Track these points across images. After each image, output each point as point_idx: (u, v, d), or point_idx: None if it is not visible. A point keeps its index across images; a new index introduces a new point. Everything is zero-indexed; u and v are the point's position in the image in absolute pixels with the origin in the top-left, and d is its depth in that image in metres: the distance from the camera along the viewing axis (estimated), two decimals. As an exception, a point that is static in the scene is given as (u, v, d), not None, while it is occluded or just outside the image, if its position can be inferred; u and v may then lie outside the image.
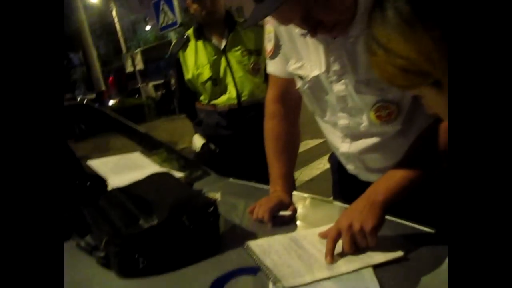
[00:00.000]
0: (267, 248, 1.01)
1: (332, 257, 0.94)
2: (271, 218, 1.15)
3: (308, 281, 0.87)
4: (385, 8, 0.78)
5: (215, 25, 2.10)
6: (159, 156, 1.92)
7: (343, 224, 0.95)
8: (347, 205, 1.20)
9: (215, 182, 1.63)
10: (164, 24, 7.38)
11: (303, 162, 4.93)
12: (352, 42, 0.99)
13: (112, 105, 13.44)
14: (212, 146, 2.11)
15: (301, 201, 1.30)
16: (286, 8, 0.87)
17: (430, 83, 0.78)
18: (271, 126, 1.31)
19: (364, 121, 1.10)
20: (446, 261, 0.98)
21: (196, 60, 2.08)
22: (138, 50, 16.13)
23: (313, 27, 0.94)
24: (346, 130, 1.16)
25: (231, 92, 2.08)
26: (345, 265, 0.92)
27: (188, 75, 2.11)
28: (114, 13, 18.81)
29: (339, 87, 1.08)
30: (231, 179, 1.62)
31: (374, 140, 1.13)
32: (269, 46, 1.22)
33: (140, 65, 13.66)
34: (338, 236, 0.96)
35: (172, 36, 8.25)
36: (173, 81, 2.10)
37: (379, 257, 0.94)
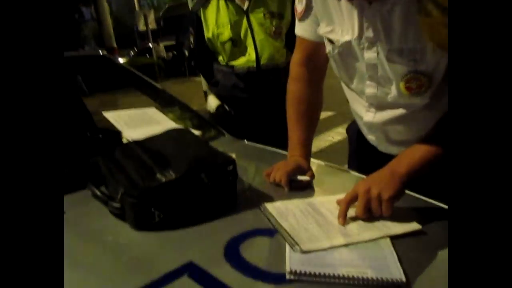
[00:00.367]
0: (284, 210, 1.00)
1: (345, 219, 0.94)
2: (288, 182, 1.14)
3: (325, 246, 0.86)
4: None
5: (239, -16, 2.04)
6: (173, 114, 1.90)
7: (361, 189, 0.94)
8: (364, 176, 1.19)
9: (230, 143, 1.62)
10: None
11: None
12: (388, 9, 0.96)
13: (123, 63, 13.37)
14: (227, 108, 2.09)
15: (318, 169, 1.29)
16: None
17: None
18: (294, 89, 1.28)
19: (392, 92, 1.07)
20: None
21: (217, 19, 2.03)
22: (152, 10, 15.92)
23: None
24: (372, 99, 1.13)
25: (251, 55, 2.04)
26: (362, 233, 0.91)
27: (208, 34, 2.07)
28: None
29: (370, 55, 1.05)
30: (246, 142, 1.60)
31: (400, 111, 1.11)
32: (299, 7, 1.19)
33: (152, 24, 13.52)
34: (353, 199, 0.95)
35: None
36: (191, 38, 2.03)
37: (397, 228, 0.93)
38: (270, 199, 1.07)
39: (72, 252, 0.87)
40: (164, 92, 2.04)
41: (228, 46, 2.04)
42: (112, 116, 1.56)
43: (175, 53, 14.47)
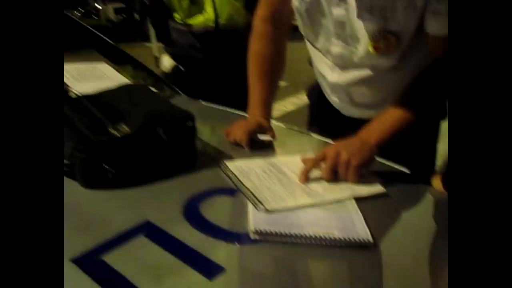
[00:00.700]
0: (246, 169, 0.95)
1: (306, 178, 0.91)
2: (249, 142, 1.09)
3: (291, 206, 0.82)
4: None
5: None
6: (126, 72, 1.80)
7: (331, 152, 0.91)
8: (326, 139, 1.17)
9: (186, 103, 1.54)
10: None
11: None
12: None
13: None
14: (183, 69, 2.00)
15: (279, 131, 1.24)
16: None
17: None
18: (256, 47, 1.22)
19: (359, 51, 1.04)
20: (425, 199, 0.97)
21: (174, -28, 1.92)
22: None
23: None
24: (338, 59, 1.09)
25: (209, 13, 1.94)
26: (328, 194, 0.88)
27: (164, -12, 1.96)
28: None
29: (339, 12, 1.00)
30: (202, 102, 1.54)
31: (365, 72, 1.08)
32: None
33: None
34: (321, 161, 0.92)
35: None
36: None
37: (362, 190, 0.90)
38: (230, 159, 1.02)
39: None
40: (116, 48, 1.92)
41: (185, 2, 1.94)
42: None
43: (125, 16, 13.93)
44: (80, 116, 1.00)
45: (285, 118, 4.49)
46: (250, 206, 0.82)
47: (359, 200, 0.87)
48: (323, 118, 1.32)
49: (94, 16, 14.65)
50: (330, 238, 0.73)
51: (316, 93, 1.34)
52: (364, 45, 1.02)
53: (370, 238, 0.74)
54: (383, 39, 0.99)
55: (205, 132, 1.23)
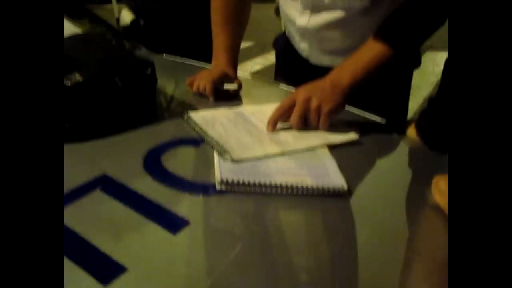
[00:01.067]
0: (211, 119, 0.89)
1: (274, 126, 0.86)
2: (214, 91, 1.02)
3: (259, 154, 0.77)
4: None
5: None
6: (82, 26, 1.68)
7: (300, 97, 0.85)
8: (294, 89, 1.11)
9: (146, 56, 1.46)
10: None
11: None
12: None
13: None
14: (142, 22, 1.89)
15: (245, 82, 1.18)
16: None
17: None
18: None
19: None
20: (399, 147, 0.94)
21: None
22: None
23: None
24: (307, 1, 1.03)
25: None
26: (298, 142, 0.83)
27: None
28: None
29: None
30: (164, 55, 1.45)
31: (337, 14, 1.01)
32: None
33: None
34: (290, 108, 0.86)
35: None
36: None
37: (334, 137, 0.86)
38: (194, 110, 0.95)
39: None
40: (73, 1, 1.80)
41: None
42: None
43: (82, -25, 13.34)
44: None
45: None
46: (216, 156, 0.76)
47: (332, 148, 0.83)
48: (291, 68, 1.26)
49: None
50: (302, 187, 0.68)
51: (282, 42, 1.27)
52: None
53: (345, 186, 0.70)
54: None
55: (167, 85, 1.15)
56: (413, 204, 0.72)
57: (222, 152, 0.76)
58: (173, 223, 0.61)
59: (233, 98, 1.06)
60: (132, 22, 1.90)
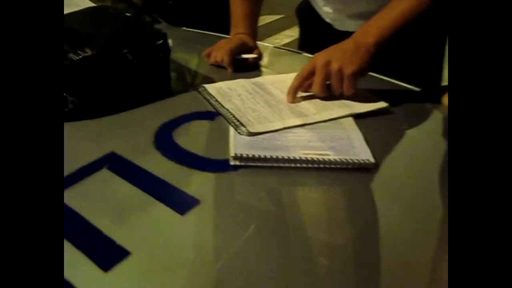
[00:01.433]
0: (227, 91, 0.84)
1: (294, 95, 0.80)
2: (232, 62, 0.96)
3: (277, 127, 0.71)
4: None
5: None
6: (102, 3, 1.65)
7: (320, 61, 0.78)
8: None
9: (166, 30, 1.40)
10: None
11: (259, 37, 4.70)
12: None
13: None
14: (163, -4, 1.84)
15: (266, 50, 1.11)
16: None
17: None
18: None
19: None
20: (433, 116, 0.86)
21: None
22: None
23: None
24: None
25: None
26: (321, 112, 0.77)
27: None
28: None
29: None
30: (184, 28, 1.40)
31: None
32: None
33: None
34: (310, 74, 0.79)
35: None
36: None
37: (360, 106, 0.79)
38: (211, 82, 0.90)
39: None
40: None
41: None
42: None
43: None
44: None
45: (281, 51, 4.33)
46: (231, 130, 0.71)
47: (358, 118, 0.76)
48: (315, 35, 1.19)
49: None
50: (324, 160, 0.62)
51: (305, 8, 1.20)
52: None
53: (371, 158, 0.63)
54: None
55: (186, 58, 1.10)
56: (446, 179, 0.65)
57: (238, 126, 0.71)
58: (182, 202, 0.57)
59: (252, 68, 0.99)
60: (153, -5, 1.85)
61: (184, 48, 1.20)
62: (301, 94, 0.81)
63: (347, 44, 0.81)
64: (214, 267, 0.48)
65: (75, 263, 0.48)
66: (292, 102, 0.79)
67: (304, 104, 0.79)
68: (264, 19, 5.34)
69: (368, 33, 0.81)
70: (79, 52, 0.80)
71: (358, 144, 0.67)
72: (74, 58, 0.78)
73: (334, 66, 0.77)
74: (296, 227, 0.55)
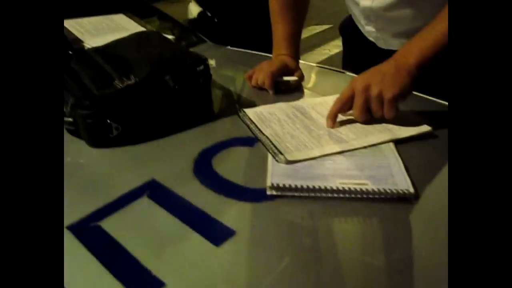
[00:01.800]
0: (267, 116, 0.84)
1: (334, 120, 0.79)
2: (273, 84, 0.97)
3: (316, 155, 0.71)
4: None
5: None
6: (151, 25, 1.70)
7: (359, 85, 0.77)
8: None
9: (211, 50, 1.43)
10: None
11: (308, 48, 4.71)
12: None
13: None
14: (209, 14, 1.87)
15: (309, 70, 1.11)
16: None
17: None
18: None
19: None
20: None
21: None
22: None
23: None
24: None
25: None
26: (361, 138, 0.75)
27: None
28: None
29: None
30: (228, 47, 1.42)
31: None
32: None
33: None
34: (349, 99, 0.78)
35: None
36: None
37: (402, 131, 0.77)
38: (252, 105, 0.90)
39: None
40: (141, 0, 1.82)
41: None
42: (72, 25, 1.35)
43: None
44: (85, 70, 0.91)
45: (329, 61, 4.30)
46: (269, 158, 0.71)
47: (399, 143, 0.75)
48: (358, 54, 1.17)
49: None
50: (362, 190, 0.61)
51: (349, 26, 1.19)
52: None
53: (411, 188, 0.62)
54: None
55: (229, 79, 1.12)
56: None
57: (276, 153, 0.71)
58: (217, 233, 0.57)
59: (294, 90, 0.99)
60: (199, 14, 1.89)
61: (227, 68, 1.22)
62: (341, 117, 0.81)
63: (387, 66, 0.80)
64: (247, 302, 0.48)
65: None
66: (332, 127, 0.79)
67: (344, 129, 0.78)
68: (313, 29, 5.34)
69: (409, 53, 0.80)
70: (124, 79, 0.83)
71: (398, 172, 0.66)
72: (119, 86, 0.81)
73: (374, 90, 0.76)
74: (332, 260, 0.54)
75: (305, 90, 1.01)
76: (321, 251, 0.55)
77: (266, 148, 0.74)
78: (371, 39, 1.09)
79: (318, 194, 0.62)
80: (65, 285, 0.46)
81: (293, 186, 0.62)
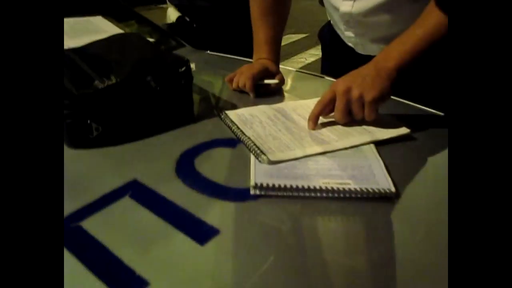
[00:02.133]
0: (249, 117, 0.84)
1: (315, 123, 0.80)
2: (254, 87, 0.97)
3: (298, 155, 0.71)
4: None
5: None
6: (130, 28, 1.68)
7: (340, 88, 0.78)
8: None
9: (190, 54, 1.43)
10: None
11: (284, 56, 4.75)
12: None
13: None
14: (188, 19, 1.87)
15: (288, 75, 1.12)
16: None
17: None
18: None
19: None
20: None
21: None
22: None
23: None
24: None
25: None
26: (342, 140, 0.76)
27: None
28: None
29: None
30: (208, 52, 1.42)
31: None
32: None
33: None
34: (330, 101, 0.79)
35: None
36: None
37: (382, 133, 0.78)
38: (233, 108, 0.91)
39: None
40: (117, 2, 1.80)
41: None
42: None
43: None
44: (64, 70, 0.90)
45: (306, 70, 4.34)
46: (252, 158, 0.71)
47: (380, 145, 0.76)
48: (337, 59, 1.19)
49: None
50: (344, 190, 0.62)
51: (328, 32, 1.20)
52: None
53: (392, 188, 0.63)
54: None
55: (207, 82, 1.12)
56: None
57: (259, 154, 0.71)
58: (201, 232, 0.57)
59: (275, 94, 1.00)
60: (178, 19, 1.88)
61: (207, 72, 1.22)
62: (322, 120, 0.81)
63: (367, 69, 0.81)
64: (233, 300, 0.48)
65: (96, 293, 0.49)
66: (313, 129, 0.79)
67: (325, 131, 0.79)
68: (289, 38, 5.39)
69: (389, 57, 0.81)
70: (104, 79, 0.82)
71: (379, 173, 0.67)
72: (100, 87, 0.80)
73: (355, 93, 0.77)
74: (315, 258, 0.54)
75: (285, 94, 1.02)
76: (304, 249, 0.56)
77: (249, 149, 0.74)
78: (350, 44, 1.10)
79: (302, 194, 0.62)
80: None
81: (276, 185, 0.62)
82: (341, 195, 0.62)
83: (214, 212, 0.62)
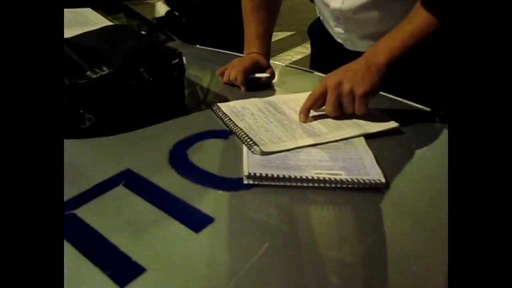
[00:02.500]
0: (241, 110, 0.85)
1: (306, 115, 0.81)
2: (245, 81, 0.98)
3: (290, 147, 0.72)
4: None
5: None
6: (118, 21, 1.68)
7: (331, 82, 0.80)
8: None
9: (180, 48, 1.43)
10: None
11: (271, 52, 4.74)
12: None
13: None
14: (177, 13, 1.87)
15: (279, 70, 1.13)
16: None
17: None
18: None
19: None
20: (443, 136, 0.87)
21: None
22: None
23: None
24: None
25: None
26: (333, 132, 0.78)
27: None
28: None
29: None
30: (197, 46, 1.42)
31: None
32: None
33: None
34: (321, 95, 0.81)
35: None
36: None
37: (371, 126, 0.80)
38: (224, 101, 0.92)
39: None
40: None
41: None
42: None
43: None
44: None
45: (292, 67, 4.36)
46: (244, 149, 0.72)
47: (369, 138, 0.77)
48: (326, 55, 1.20)
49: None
50: (336, 180, 0.63)
51: (318, 28, 1.22)
52: None
53: (382, 178, 0.64)
54: None
55: (198, 75, 1.12)
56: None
57: (251, 145, 0.72)
58: (196, 220, 0.58)
59: (265, 87, 1.01)
60: (167, 13, 1.88)
61: (198, 66, 1.22)
62: (313, 113, 0.83)
63: (357, 64, 0.83)
64: (228, 284, 0.49)
65: (92, 279, 0.49)
66: (305, 122, 0.81)
67: (316, 124, 0.80)
68: (276, 35, 5.40)
69: (379, 52, 0.83)
70: (97, 70, 0.82)
71: (369, 164, 0.68)
72: (92, 77, 0.80)
73: (346, 87, 0.79)
74: (308, 245, 0.56)
75: (276, 88, 1.03)
76: (297, 236, 0.57)
77: (241, 140, 0.75)
78: (339, 40, 1.12)
79: (294, 184, 0.63)
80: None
81: (269, 175, 0.64)
82: (333, 185, 0.63)
83: (208, 201, 0.63)
